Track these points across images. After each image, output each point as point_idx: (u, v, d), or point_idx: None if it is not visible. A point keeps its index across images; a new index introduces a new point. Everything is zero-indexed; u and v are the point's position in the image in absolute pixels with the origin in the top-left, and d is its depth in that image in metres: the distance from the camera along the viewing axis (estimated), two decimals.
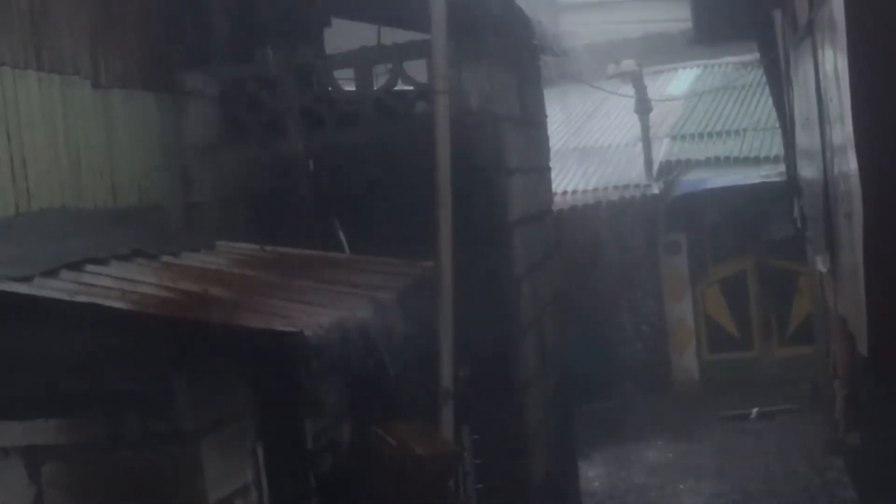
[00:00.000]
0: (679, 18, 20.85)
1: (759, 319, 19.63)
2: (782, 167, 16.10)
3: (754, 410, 17.49)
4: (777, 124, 16.62)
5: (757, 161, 19.21)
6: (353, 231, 9.20)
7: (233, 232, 8.87)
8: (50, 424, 5.90)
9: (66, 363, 5.84)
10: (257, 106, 9.73)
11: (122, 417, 5.87)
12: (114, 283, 6.13)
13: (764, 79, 17.46)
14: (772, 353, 19.52)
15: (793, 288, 19.13)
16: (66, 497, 5.92)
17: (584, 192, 19.05)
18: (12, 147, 7.16)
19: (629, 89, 20.33)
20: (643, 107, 20.03)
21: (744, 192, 18.55)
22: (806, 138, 11.39)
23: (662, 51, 23.44)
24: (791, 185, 14.72)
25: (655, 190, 19.11)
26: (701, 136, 20.62)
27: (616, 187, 19.13)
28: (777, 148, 17.84)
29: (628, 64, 20.14)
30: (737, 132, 20.45)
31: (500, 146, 9.82)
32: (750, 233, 19.48)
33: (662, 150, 20.16)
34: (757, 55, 17.17)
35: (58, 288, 5.87)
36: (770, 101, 16.82)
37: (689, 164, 19.76)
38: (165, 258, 7.14)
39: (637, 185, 19.21)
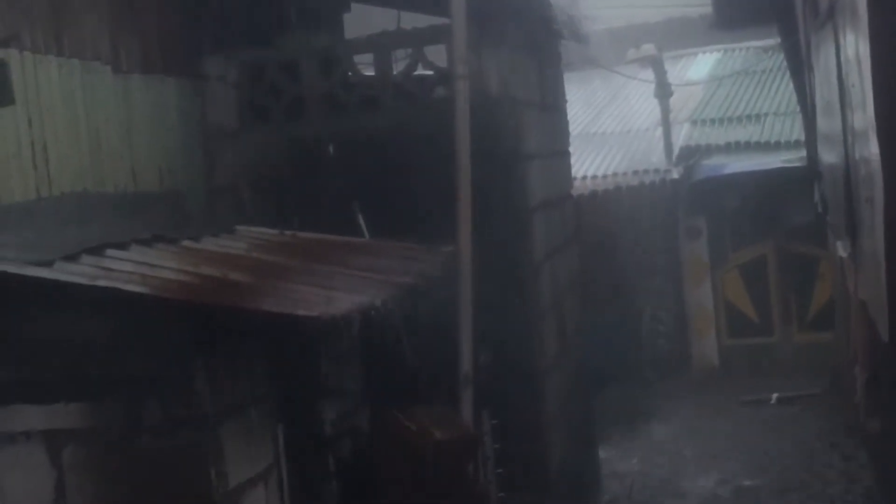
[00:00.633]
0: (699, 3, 20.81)
1: (780, 304, 19.59)
2: (803, 152, 16.04)
3: (774, 396, 17.45)
4: (797, 109, 16.58)
5: (777, 146, 19.16)
6: (373, 216, 9.20)
7: (253, 216, 8.89)
8: (70, 408, 5.91)
9: (86, 347, 5.86)
10: (277, 91, 9.73)
11: (143, 402, 5.88)
12: (134, 268, 6.14)
13: (784, 63, 17.42)
14: (792, 338, 19.48)
15: (813, 273, 19.08)
16: (86, 481, 5.94)
17: (604, 177, 19.04)
18: (33, 132, 7.17)
19: (649, 74, 20.29)
20: (663, 91, 19.98)
21: (764, 177, 18.48)
22: (827, 123, 11.36)
23: (682, 35, 23.39)
24: (812, 170, 14.68)
25: (675, 175, 19.08)
26: (721, 120, 20.57)
27: (636, 172, 19.11)
28: (797, 133, 17.79)
29: (648, 48, 20.10)
30: (757, 117, 20.39)
31: (520, 131, 9.82)
32: (770, 218, 19.42)
33: (682, 135, 20.12)
34: (777, 40, 17.10)
35: (78, 272, 5.88)
36: (790, 85, 16.78)
37: (709, 149, 19.72)
38: (185, 243, 7.14)
39: (657, 170, 19.17)
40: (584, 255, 13.42)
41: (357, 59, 9.91)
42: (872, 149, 7.02)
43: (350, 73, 9.85)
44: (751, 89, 21.57)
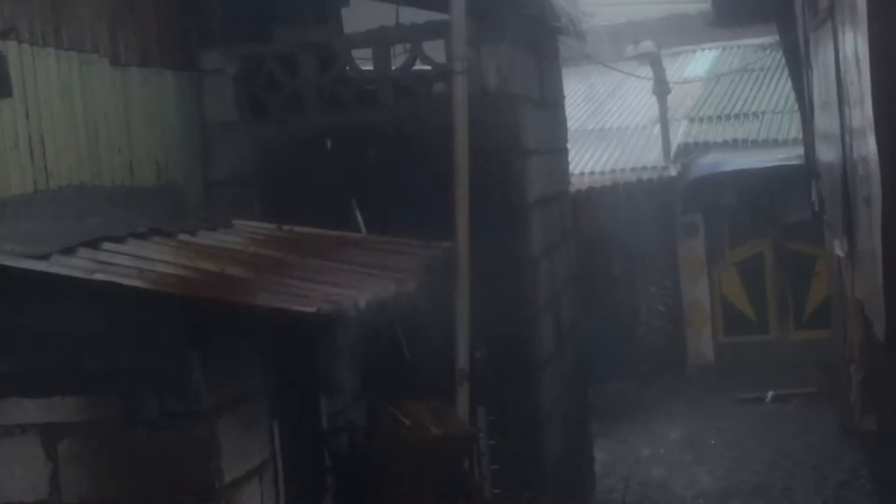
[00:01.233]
0: None
1: (776, 302, 19.60)
2: (800, 150, 16.07)
3: (769, 393, 17.46)
4: (796, 107, 16.59)
5: (775, 144, 19.18)
6: (371, 211, 9.20)
7: (250, 211, 8.88)
8: (67, 402, 5.91)
9: (82, 341, 5.85)
10: (276, 85, 9.73)
11: (139, 395, 5.88)
12: (131, 262, 6.13)
13: (783, 61, 17.43)
14: (788, 336, 19.49)
15: (810, 271, 19.08)
16: (81, 474, 5.93)
17: (602, 173, 19.01)
18: (31, 124, 7.17)
19: (647, 71, 20.29)
20: (661, 88, 19.98)
21: (761, 174, 18.49)
22: (825, 121, 11.37)
23: (681, 32, 23.39)
24: (809, 169, 14.70)
25: (673, 172, 19.07)
26: (719, 118, 20.59)
27: (633, 169, 19.09)
28: (795, 131, 17.81)
29: (647, 45, 20.12)
30: (755, 114, 20.41)
31: (518, 127, 9.80)
32: (767, 216, 19.43)
33: (680, 132, 20.13)
34: (776, 37, 17.13)
35: (75, 266, 5.88)
36: (789, 83, 16.80)
37: (706, 147, 19.74)
38: (183, 237, 7.14)
39: (654, 167, 19.17)
40: (581, 251, 13.40)
41: (355, 53, 9.90)
42: (871, 148, 7.02)
43: (348, 68, 9.84)
44: (749, 87, 21.59)
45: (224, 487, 6.05)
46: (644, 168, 19.11)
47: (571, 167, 14.50)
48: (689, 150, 19.63)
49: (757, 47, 22.55)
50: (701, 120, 20.63)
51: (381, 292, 6.50)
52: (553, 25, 11.79)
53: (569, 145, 13.50)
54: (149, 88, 8.76)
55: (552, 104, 12.27)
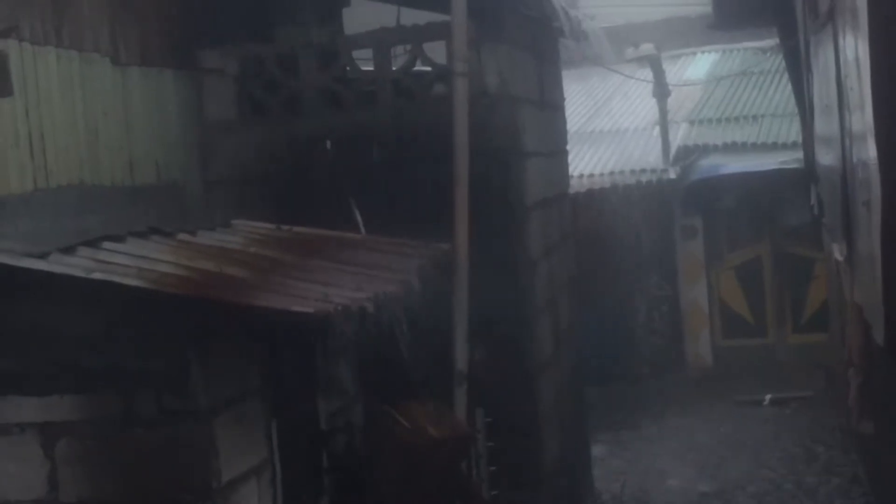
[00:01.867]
0: (699, 2, 20.81)
1: (774, 306, 19.61)
2: (800, 153, 16.04)
3: (767, 397, 17.46)
4: (795, 110, 16.57)
5: (774, 147, 19.16)
6: (370, 211, 9.20)
7: (249, 210, 8.88)
8: (65, 401, 5.91)
9: (81, 340, 5.85)
10: (276, 85, 9.73)
11: (137, 394, 5.88)
12: (130, 261, 6.14)
13: (783, 65, 17.42)
14: (786, 339, 19.50)
15: (808, 275, 19.08)
16: (79, 473, 5.93)
17: (601, 175, 19.00)
18: (31, 123, 7.17)
19: (647, 73, 20.27)
20: (661, 91, 19.96)
21: (761, 177, 18.50)
22: (825, 125, 11.35)
23: (681, 35, 23.38)
24: (809, 172, 14.67)
25: (672, 174, 19.06)
26: (719, 121, 20.58)
27: (633, 171, 19.08)
28: (795, 134, 17.79)
29: (647, 48, 20.11)
30: (755, 118, 20.40)
31: (518, 129, 9.81)
32: (766, 219, 19.45)
33: (680, 135, 20.11)
34: (776, 41, 17.10)
35: (74, 264, 5.88)
36: (789, 87, 16.76)
37: (706, 149, 19.73)
38: (182, 236, 7.14)
39: (654, 170, 19.15)
40: (579, 253, 13.41)
41: (356, 54, 9.91)
42: (870, 152, 7.01)
43: (349, 69, 9.85)
44: (749, 90, 21.58)
45: (221, 487, 6.05)
46: (643, 170, 19.10)
47: (571, 169, 14.51)
48: (688, 153, 19.61)
49: (757, 50, 22.53)
50: (701, 123, 20.62)
51: (379, 293, 6.50)
52: (553, 27, 11.80)
53: (568, 147, 13.51)
54: (149, 88, 8.76)
55: (552, 106, 12.27)
